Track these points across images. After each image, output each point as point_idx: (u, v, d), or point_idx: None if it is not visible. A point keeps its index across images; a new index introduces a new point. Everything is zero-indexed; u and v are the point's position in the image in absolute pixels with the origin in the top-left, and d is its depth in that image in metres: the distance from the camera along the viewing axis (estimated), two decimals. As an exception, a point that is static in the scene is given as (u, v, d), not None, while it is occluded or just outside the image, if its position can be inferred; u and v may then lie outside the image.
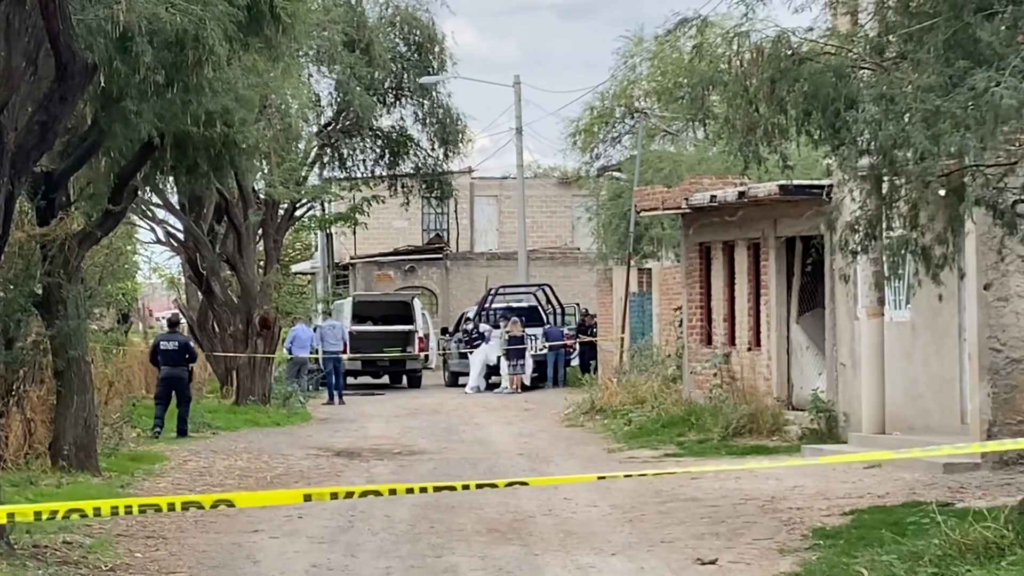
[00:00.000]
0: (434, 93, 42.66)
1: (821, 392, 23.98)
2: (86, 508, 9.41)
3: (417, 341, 45.57)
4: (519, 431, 29.20)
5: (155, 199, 35.87)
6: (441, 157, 43.91)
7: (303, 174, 38.77)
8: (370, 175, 43.05)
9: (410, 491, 9.99)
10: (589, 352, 44.06)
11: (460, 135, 43.63)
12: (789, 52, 14.09)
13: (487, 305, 45.43)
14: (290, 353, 38.71)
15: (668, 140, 45.78)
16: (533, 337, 42.68)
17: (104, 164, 20.93)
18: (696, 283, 29.13)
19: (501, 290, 47.00)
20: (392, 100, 42.37)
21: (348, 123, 40.63)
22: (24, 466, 19.81)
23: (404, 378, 46.38)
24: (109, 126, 18.01)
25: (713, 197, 27.20)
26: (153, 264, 54.36)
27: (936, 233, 14.38)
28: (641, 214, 33.06)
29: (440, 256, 60.49)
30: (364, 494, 9.49)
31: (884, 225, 14.90)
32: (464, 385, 43.24)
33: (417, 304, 47.32)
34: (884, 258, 15.55)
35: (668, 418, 27.23)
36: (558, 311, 46.40)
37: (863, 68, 14.21)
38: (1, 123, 13.99)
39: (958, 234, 14.59)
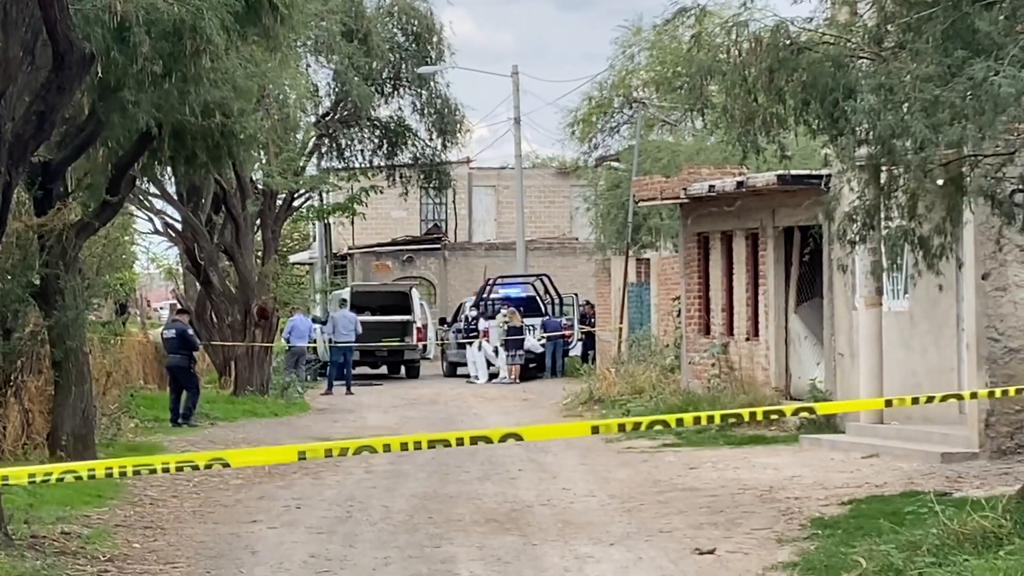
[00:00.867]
0: (432, 83, 42.66)
1: (819, 382, 23.99)
2: (80, 470, 9.46)
3: (415, 331, 45.57)
4: (517, 421, 29.20)
5: (153, 189, 35.90)
6: (439, 147, 43.93)
7: (301, 164, 38.76)
8: (368, 165, 43.06)
9: (404, 446, 10.30)
10: (588, 342, 44.12)
11: (458, 125, 43.65)
12: (788, 42, 14.07)
13: (485, 296, 45.43)
14: (288, 343, 38.71)
15: (666, 130, 45.80)
16: (531, 327, 42.69)
17: (102, 154, 20.91)
18: (694, 273, 29.13)
19: (499, 280, 47.00)
20: (390, 90, 42.37)
21: (346, 113, 40.63)
22: (22, 456, 19.80)
23: (402, 368, 46.39)
24: (107, 116, 17.99)
25: (711, 187, 27.20)
26: (151, 254, 54.40)
27: (934, 223, 14.37)
28: (639, 204, 33.06)
29: (438, 246, 60.49)
30: (359, 450, 9.72)
31: (882, 215, 14.89)
32: (464, 376, 43.28)
33: (415, 294, 47.33)
34: (882, 248, 15.55)
35: (666, 408, 27.19)
36: (556, 301, 46.39)
37: (862, 58, 14.20)
38: (-2, 113, 13.96)
39: (956, 224, 14.61)
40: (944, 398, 10.10)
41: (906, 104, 12.63)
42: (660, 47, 43.04)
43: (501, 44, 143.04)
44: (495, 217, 63.22)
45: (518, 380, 40.76)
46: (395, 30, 41.58)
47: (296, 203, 40.74)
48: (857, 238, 15.20)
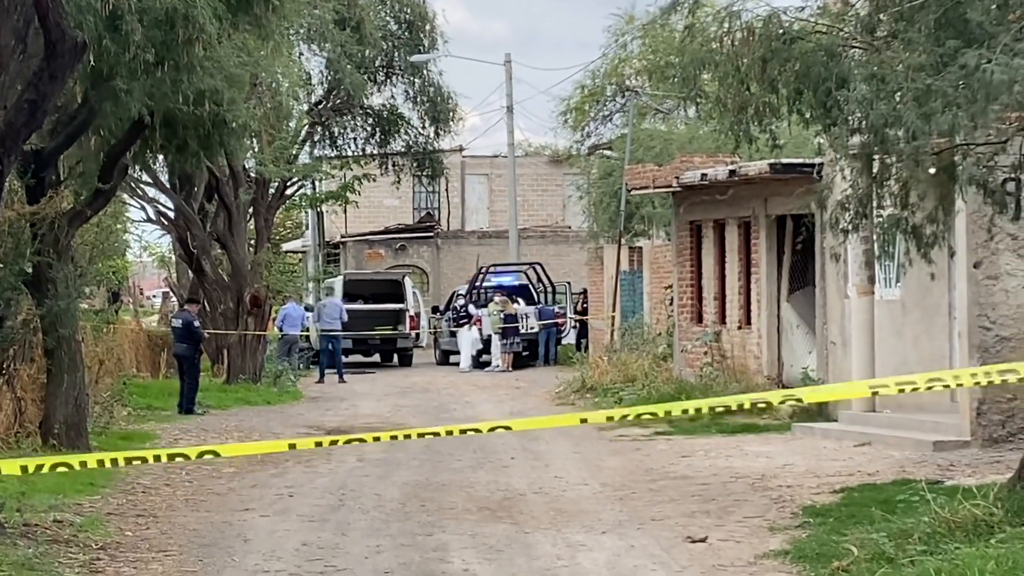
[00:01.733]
0: (425, 71, 42.63)
1: (811, 370, 24.02)
2: (72, 462, 9.52)
3: (408, 320, 45.58)
4: (510, 409, 29.22)
5: (145, 177, 35.84)
6: (432, 135, 43.92)
7: (294, 152, 38.73)
8: (361, 153, 43.04)
9: (394, 438, 10.38)
10: (581, 330, 44.15)
11: (451, 113, 43.62)
12: (780, 32, 14.08)
13: (478, 284, 45.44)
14: (281, 332, 38.72)
15: (659, 118, 45.80)
16: (525, 315, 42.70)
17: (94, 143, 20.90)
18: (687, 261, 29.15)
19: (492, 269, 47.01)
20: (383, 78, 42.35)
21: (339, 101, 40.59)
22: (14, 445, 19.80)
23: (395, 356, 46.40)
24: (99, 104, 17.98)
25: (704, 175, 27.22)
26: (144, 243, 54.35)
27: (927, 212, 14.39)
28: (632, 192, 33.07)
29: (431, 235, 60.49)
30: (348, 442, 9.68)
31: (875, 204, 14.91)
32: (456, 364, 43.33)
33: (408, 283, 47.32)
34: (875, 237, 15.57)
35: (659, 396, 27.22)
36: (549, 290, 46.40)
37: (854, 47, 14.21)
38: (-10, 101, 13.95)
39: (949, 213, 14.61)
40: (929, 384, 10.09)
41: (898, 93, 12.64)
42: (653, 35, 43.03)
43: (494, 32, 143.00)
44: (488, 205, 63.21)
45: (511, 368, 40.76)
46: (388, 18, 41.55)
47: (289, 191, 40.71)
48: (850, 227, 15.22)
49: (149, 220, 42.51)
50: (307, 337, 41.41)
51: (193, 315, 29.21)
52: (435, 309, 49.71)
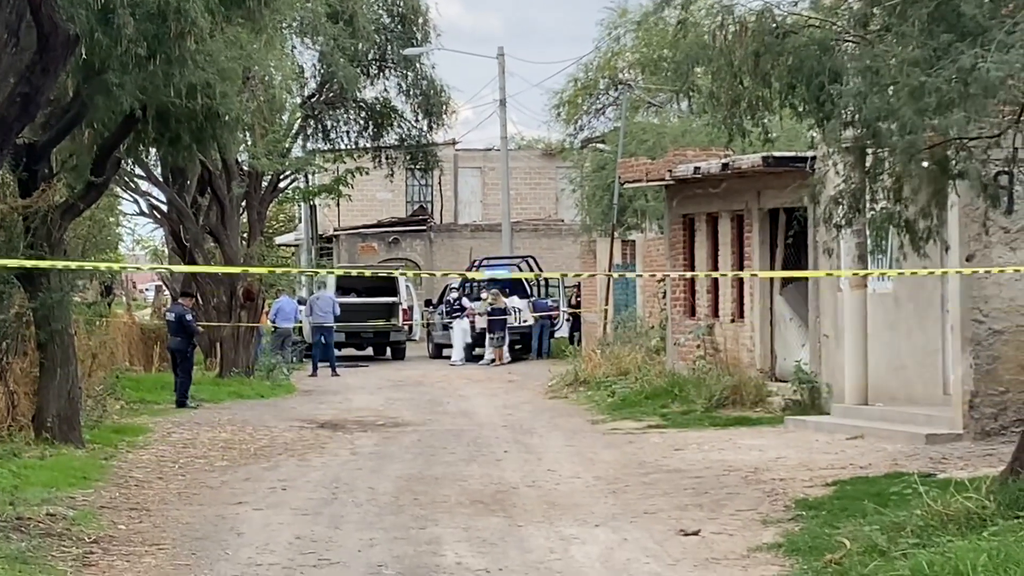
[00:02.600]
0: (418, 65, 42.58)
1: (804, 363, 24.04)
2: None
3: (401, 313, 45.56)
4: (503, 403, 29.23)
5: (138, 171, 35.82)
6: (425, 129, 43.88)
7: (287, 146, 38.68)
8: (354, 147, 43.00)
9: None
10: (574, 323, 44.16)
11: (444, 107, 43.58)
12: (773, 26, 14.09)
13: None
14: (274, 325, 38.70)
15: (652, 112, 45.79)
16: (517, 309, 42.68)
17: (87, 136, 20.88)
18: (680, 255, 29.15)
19: (485, 262, 46.98)
20: (376, 72, 42.29)
21: (332, 95, 40.54)
22: (7, 438, 19.78)
23: (388, 350, 46.38)
24: (91, 98, 17.97)
25: (697, 169, 27.22)
26: (137, 236, 54.33)
27: (920, 206, 14.40)
28: (625, 186, 33.07)
29: (424, 228, 60.45)
30: None
31: (868, 198, 14.92)
32: (448, 357, 43.33)
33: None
34: (868, 232, 15.58)
35: (652, 389, 27.27)
36: (542, 283, 46.39)
37: (847, 41, 14.22)
38: (-17, 95, 13.94)
39: (942, 207, 14.62)
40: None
41: (892, 87, 12.65)
42: (646, 28, 43.03)
43: (487, 26, 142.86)
44: (481, 199, 63.19)
45: (502, 361, 40.71)
46: (381, 11, 41.48)
47: (282, 185, 40.65)
48: (843, 222, 15.24)
49: (142, 213, 42.54)
50: (300, 330, 41.39)
51: (186, 309, 29.24)
52: (428, 302, 49.69)
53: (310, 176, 45.71)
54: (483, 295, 42.24)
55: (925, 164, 13.68)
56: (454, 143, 59.70)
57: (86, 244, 29.11)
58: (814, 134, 19.13)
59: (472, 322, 42.60)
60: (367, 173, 43.51)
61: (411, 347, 46.99)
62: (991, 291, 18.99)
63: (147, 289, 76.93)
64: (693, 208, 28.59)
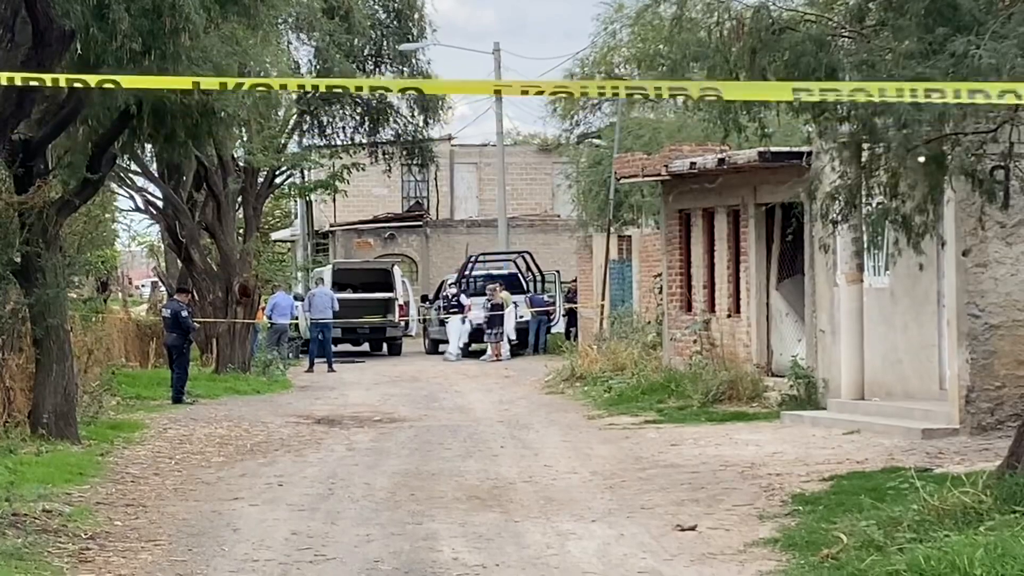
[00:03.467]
0: (414, 60, 42.55)
1: (800, 358, 24.03)
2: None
3: (397, 308, 45.56)
4: (499, 398, 29.23)
5: (134, 167, 35.81)
6: (421, 124, 43.88)
7: (282, 142, 38.67)
8: (350, 142, 42.99)
9: None
10: (570, 319, 44.16)
11: (440, 102, 43.57)
12: (769, 22, 14.07)
13: (467, 273, 45.42)
14: (271, 321, 38.69)
15: (648, 107, 45.73)
16: (515, 304, 42.67)
17: (82, 132, 20.88)
18: (676, 250, 29.14)
19: (481, 258, 46.98)
20: (372, 67, 42.26)
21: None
22: (3, 435, 19.76)
23: (384, 345, 46.38)
24: (86, 94, 17.96)
25: (693, 164, 27.21)
26: (132, 232, 54.32)
27: (916, 202, 14.39)
28: (621, 181, 33.05)
29: (420, 223, 60.43)
30: None
31: (864, 194, 14.91)
32: (444, 353, 43.31)
33: (397, 271, 47.30)
34: (864, 228, 15.58)
35: (648, 385, 27.26)
36: (538, 278, 46.38)
37: (843, 36, 14.21)
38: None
39: (938, 202, 14.62)
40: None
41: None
42: (642, 23, 42.97)
43: (482, 22, 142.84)
44: (477, 194, 63.17)
45: (500, 357, 40.70)
46: (376, 7, 41.48)
47: (278, 180, 40.67)
48: (839, 218, 15.24)
49: (138, 209, 42.54)
50: (296, 326, 41.38)
51: (182, 305, 29.26)
52: (424, 298, 49.68)
53: (306, 172, 45.72)
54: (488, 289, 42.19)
55: (921, 159, 13.67)
56: (450, 139, 59.70)
57: (82, 240, 29.07)
58: (809, 129, 19.12)
59: (468, 318, 42.59)
60: (363, 169, 43.53)
61: (407, 343, 46.99)
62: (987, 286, 18.99)
63: (143, 285, 76.99)
64: (689, 203, 28.58)
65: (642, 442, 20.95)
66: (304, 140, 42.25)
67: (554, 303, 44.64)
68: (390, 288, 45.86)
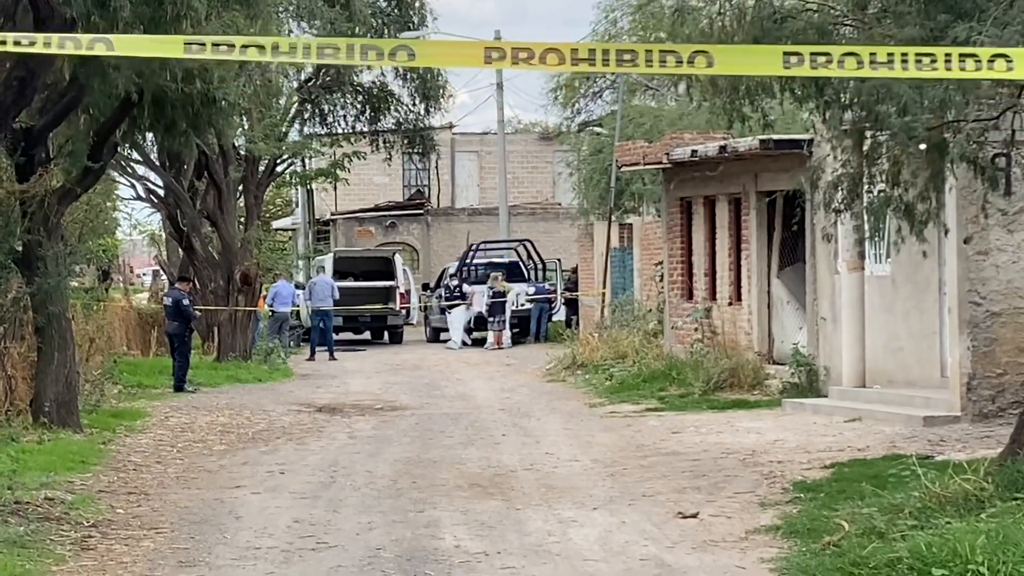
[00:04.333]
0: (414, 48, 42.44)
1: (802, 346, 24.04)
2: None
3: (398, 297, 45.56)
4: (501, 386, 29.24)
5: (135, 156, 35.79)
6: (422, 113, 43.83)
7: (283, 130, 38.65)
8: (351, 131, 42.97)
9: None
10: (571, 307, 44.16)
11: (441, 91, 43.53)
12: (771, 11, 14.07)
13: (468, 261, 45.42)
14: (272, 309, 38.70)
15: (649, 95, 45.75)
16: (516, 293, 42.66)
17: (83, 121, 20.86)
18: (677, 238, 29.14)
19: (482, 246, 46.97)
20: (372, 56, 42.15)
21: (328, 79, 40.50)
22: (5, 423, 19.78)
23: (385, 334, 46.38)
24: (88, 82, 17.95)
25: (694, 152, 27.20)
26: (133, 221, 54.32)
27: (918, 190, 14.39)
28: (622, 169, 33.04)
29: (421, 212, 60.42)
30: None
31: (866, 183, 14.91)
32: (446, 341, 43.32)
33: (398, 260, 47.30)
34: (866, 216, 15.57)
35: (649, 373, 27.27)
36: (539, 266, 46.38)
37: (845, 25, 14.21)
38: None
39: (940, 190, 14.61)
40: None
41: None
42: (643, 12, 42.97)
43: (483, 10, 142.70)
44: (478, 182, 63.15)
45: (501, 345, 40.71)
46: (377, -5, 41.43)
47: (279, 169, 40.65)
48: (842, 207, 15.24)
49: (139, 198, 42.52)
50: (298, 314, 41.39)
51: (183, 293, 29.28)
52: (425, 286, 49.67)
53: (307, 160, 45.71)
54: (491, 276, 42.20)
55: (923, 146, 13.68)
56: (451, 127, 59.65)
57: (83, 229, 29.09)
58: (811, 117, 19.13)
59: (471, 306, 42.59)
60: (364, 157, 43.51)
61: (408, 331, 46.99)
62: (989, 273, 18.99)
63: (144, 274, 77.02)
64: (690, 191, 28.58)
65: (643, 430, 20.97)
66: (305, 128, 42.22)
67: (555, 291, 44.64)
68: (391, 276, 45.85)
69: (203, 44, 9.80)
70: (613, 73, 46.35)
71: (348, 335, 45.52)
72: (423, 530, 13.45)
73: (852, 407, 20.88)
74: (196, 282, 34.61)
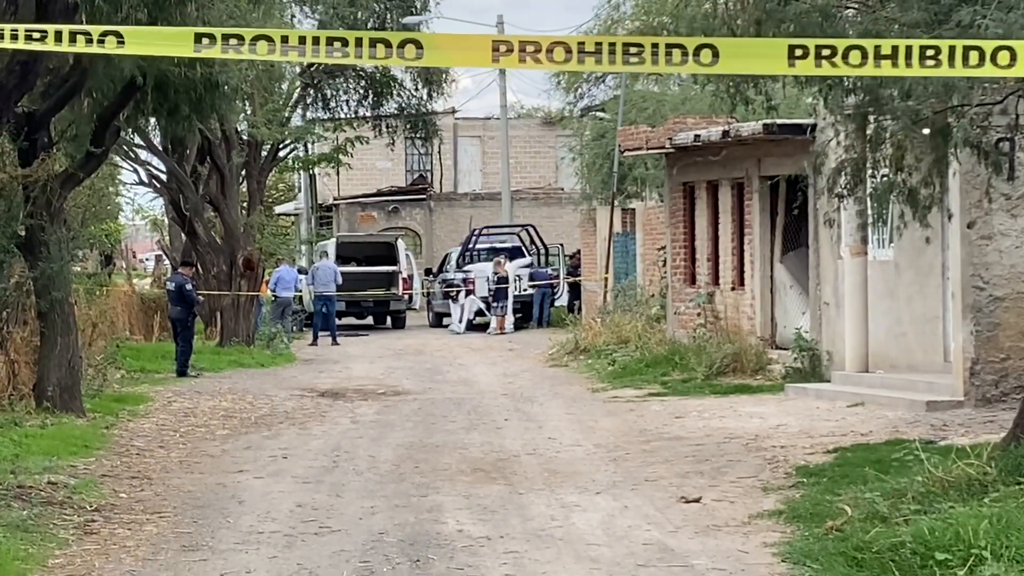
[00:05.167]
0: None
1: (804, 331, 24.03)
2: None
3: (401, 282, 45.55)
4: (503, 371, 29.24)
5: (138, 140, 35.76)
6: (425, 98, 43.80)
7: (286, 115, 38.62)
8: (353, 116, 42.93)
9: None
10: (574, 292, 44.16)
11: (443, 76, 43.49)
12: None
13: (471, 246, 45.41)
14: (274, 294, 38.69)
15: (652, 80, 45.65)
16: (518, 277, 42.66)
17: (86, 105, 20.85)
18: (680, 223, 29.13)
19: (485, 231, 46.96)
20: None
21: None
22: (8, 407, 19.80)
23: (388, 319, 46.39)
24: (91, 65, 17.94)
25: (697, 137, 27.17)
26: (136, 205, 54.30)
27: (922, 175, 14.37)
28: (625, 154, 33.01)
29: (424, 197, 60.38)
30: None
31: (869, 168, 14.89)
32: (448, 326, 43.33)
33: (401, 245, 47.29)
34: (869, 201, 15.57)
35: (652, 358, 27.26)
36: (542, 251, 46.37)
37: (849, 7, 14.18)
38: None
39: (944, 175, 14.59)
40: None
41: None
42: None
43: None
44: (480, 167, 63.11)
45: (504, 330, 40.70)
46: (380, -22, 41.35)
47: (281, 154, 40.62)
48: (845, 192, 15.21)
49: (142, 183, 42.49)
50: (300, 299, 41.39)
51: (187, 278, 29.30)
52: (428, 271, 49.67)
53: (310, 145, 45.68)
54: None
55: (927, 131, 13.65)
56: (453, 112, 59.61)
57: (86, 213, 29.10)
58: (813, 101, 19.09)
59: (472, 291, 42.60)
60: (367, 142, 43.45)
61: (411, 316, 47.00)
62: (992, 258, 18.98)
63: (147, 259, 77.00)
64: (693, 176, 28.56)
65: (646, 415, 20.97)
66: (308, 113, 42.20)
67: (558, 276, 44.63)
68: (394, 261, 45.85)
69: (213, 37, 9.75)
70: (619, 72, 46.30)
71: (351, 320, 45.53)
72: (426, 515, 13.45)
73: (855, 392, 20.87)
74: (199, 267, 34.60)
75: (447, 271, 45.73)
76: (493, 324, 41.42)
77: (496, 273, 41.41)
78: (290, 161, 44.25)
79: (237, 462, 17.05)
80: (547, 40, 9.63)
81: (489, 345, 36.82)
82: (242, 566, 11.48)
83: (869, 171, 15.12)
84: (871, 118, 14.30)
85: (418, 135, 46.81)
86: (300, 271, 42.91)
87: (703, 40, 9.50)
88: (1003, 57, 9.20)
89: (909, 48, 9.33)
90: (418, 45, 9.66)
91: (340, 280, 39.73)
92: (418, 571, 11.21)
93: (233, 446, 18.53)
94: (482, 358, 32.72)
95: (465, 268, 43.54)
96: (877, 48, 9.35)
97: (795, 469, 15.15)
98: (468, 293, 42.74)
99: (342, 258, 44.71)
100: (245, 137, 36.27)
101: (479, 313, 42.77)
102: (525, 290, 42.93)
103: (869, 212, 18.46)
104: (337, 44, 9.93)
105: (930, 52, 9.32)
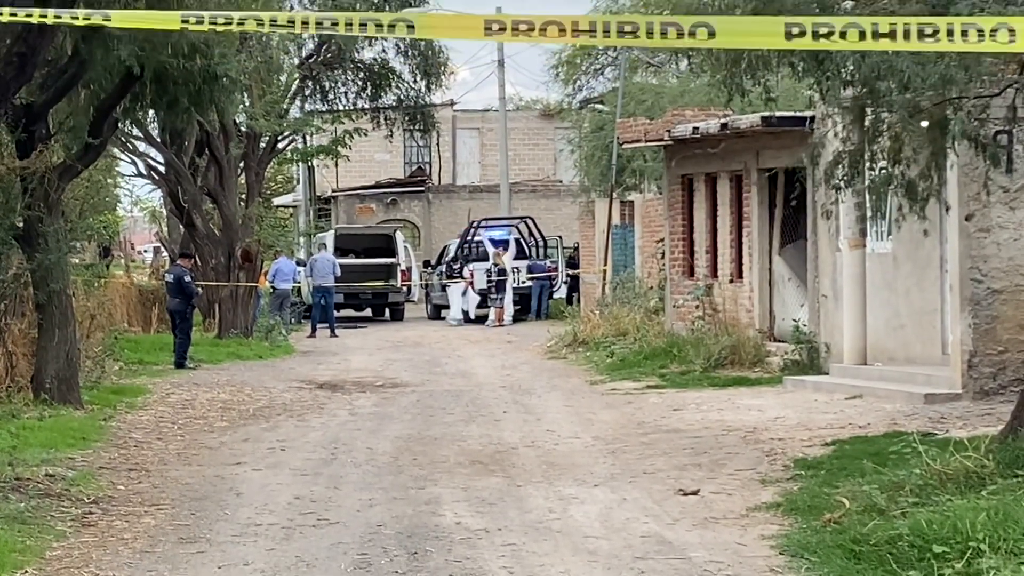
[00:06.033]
0: (415, 23, 42.31)
1: (803, 323, 24.04)
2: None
3: (399, 274, 45.57)
4: (502, 364, 29.24)
5: (136, 132, 35.76)
6: (423, 90, 43.76)
7: (284, 107, 38.60)
8: (352, 107, 42.90)
9: None
10: (572, 284, 44.17)
11: (442, 67, 43.45)
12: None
13: (469, 238, 45.41)
14: (273, 286, 38.70)
15: (651, 72, 45.66)
16: (516, 269, 42.67)
17: (84, 96, 20.83)
18: (678, 215, 29.12)
19: (483, 223, 46.97)
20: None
21: (329, 55, 40.42)
22: (6, 399, 19.80)
23: (386, 311, 46.41)
24: (90, 55, 17.91)
25: (695, 129, 27.15)
26: (134, 197, 54.28)
27: (920, 168, 14.36)
28: (623, 146, 32.99)
29: (422, 189, 60.38)
30: None
31: (867, 160, 14.88)
32: (446, 318, 43.34)
33: (399, 237, 47.30)
34: (868, 194, 15.55)
35: (650, 350, 27.27)
36: (540, 244, 46.37)
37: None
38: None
39: (942, 168, 14.58)
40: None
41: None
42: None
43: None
44: (479, 160, 63.11)
45: (502, 323, 40.71)
46: (378, -30, 41.29)
47: (280, 146, 40.61)
48: (842, 184, 15.20)
49: (140, 175, 42.54)
50: (299, 291, 41.37)
51: (185, 270, 29.28)
52: (426, 263, 49.66)
53: (308, 137, 45.65)
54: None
55: (925, 123, 13.64)
56: (452, 104, 59.58)
57: (84, 205, 29.07)
58: (811, 93, 19.07)
59: (471, 283, 42.60)
60: (365, 134, 43.42)
61: (409, 308, 47.00)
62: (990, 251, 18.97)
63: (145, 250, 77.01)
64: (692, 168, 28.55)
65: (644, 407, 20.97)
66: (306, 105, 42.15)
67: (556, 268, 44.63)
68: (392, 253, 45.86)
69: (201, 18, 9.76)
70: (615, 46, 46.30)
71: (349, 312, 45.53)
72: (424, 507, 13.45)
73: (853, 384, 20.87)
74: (197, 259, 34.59)
75: (443, 263, 45.72)
76: (492, 316, 41.42)
77: (496, 264, 41.41)
78: (288, 153, 44.22)
79: (235, 454, 17.06)
80: (540, 19, 9.56)
81: (487, 337, 36.82)
82: (240, 558, 11.48)
83: (867, 163, 15.10)
84: (869, 110, 14.29)
85: (416, 127, 46.78)
86: (298, 263, 42.92)
87: (699, 19, 9.43)
88: (1003, 35, 9.15)
89: (907, 26, 9.28)
90: (409, 24, 9.60)
91: (338, 272, 39.75)
92: (416, 563, 11.21)
93: (231, 438, 18.53)
94: (480, 350, 32.72)
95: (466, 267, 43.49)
96: (875, 26, 9.30)
97: (793, 461, 15.15)
98: (468, 286, 42.72)
99: (340, 250, 44.70)
100: (243, 129, 36.27)
101: (480, 305, 42.76)
102: (524, 282, 42.93)
103: (867, 204, 18.46)
104: (327, 23, 9.90)
105: (928, 31, 9.27)
